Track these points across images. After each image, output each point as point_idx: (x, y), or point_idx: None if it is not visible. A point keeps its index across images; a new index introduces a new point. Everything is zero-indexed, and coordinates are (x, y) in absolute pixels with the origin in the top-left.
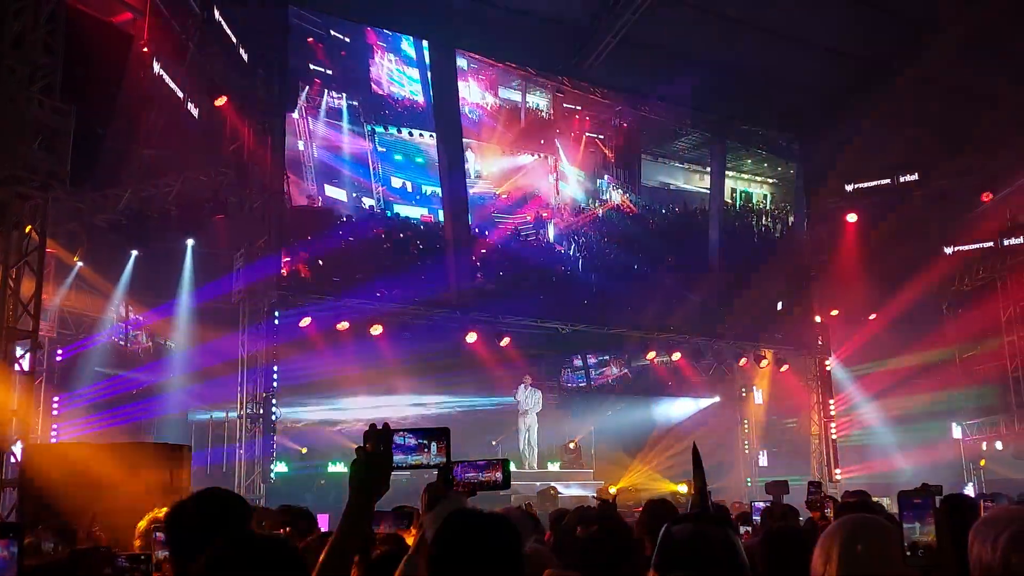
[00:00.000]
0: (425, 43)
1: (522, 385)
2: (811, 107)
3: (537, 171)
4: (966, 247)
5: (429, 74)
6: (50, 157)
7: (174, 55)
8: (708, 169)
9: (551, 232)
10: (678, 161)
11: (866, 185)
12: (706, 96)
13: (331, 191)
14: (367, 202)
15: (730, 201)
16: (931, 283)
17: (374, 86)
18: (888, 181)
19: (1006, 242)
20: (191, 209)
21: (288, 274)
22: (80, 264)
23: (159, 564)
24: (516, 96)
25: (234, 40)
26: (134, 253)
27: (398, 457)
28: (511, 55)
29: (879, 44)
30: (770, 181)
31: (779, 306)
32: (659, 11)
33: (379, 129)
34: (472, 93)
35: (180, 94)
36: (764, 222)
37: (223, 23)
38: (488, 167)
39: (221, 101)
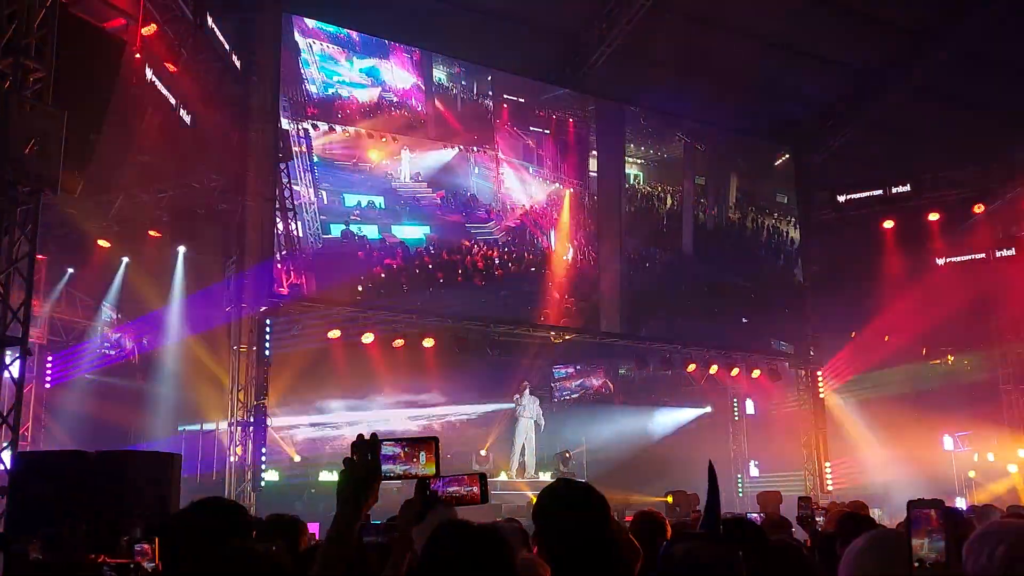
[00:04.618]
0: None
1: (526, 391)
2: (804, 117)
3: (461, 166)
4: (958, 258)
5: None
6: (41, 162)
7: (167, 62)
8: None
9: (553, 239)
10: None
11: (858, 196)
12: (696, 104)
13: None
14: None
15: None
16: (922, 294)
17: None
18: (880, 192)
19: (998, 254)
20: (183, 216)
21: (289, 287)
22: (70, 271)
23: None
24: (444, 78)
25: (227, 47)
26: (125, 260)
27: (386, 467)
28: (501, 62)
29: (873, 55)
30: (639, 162)
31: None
32: (652, 20)
33: (311, 130)
34: (396, 77)
35: (173, 101)
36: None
37: (216, 30)
38: (423, 166)
39: (213, 108)
